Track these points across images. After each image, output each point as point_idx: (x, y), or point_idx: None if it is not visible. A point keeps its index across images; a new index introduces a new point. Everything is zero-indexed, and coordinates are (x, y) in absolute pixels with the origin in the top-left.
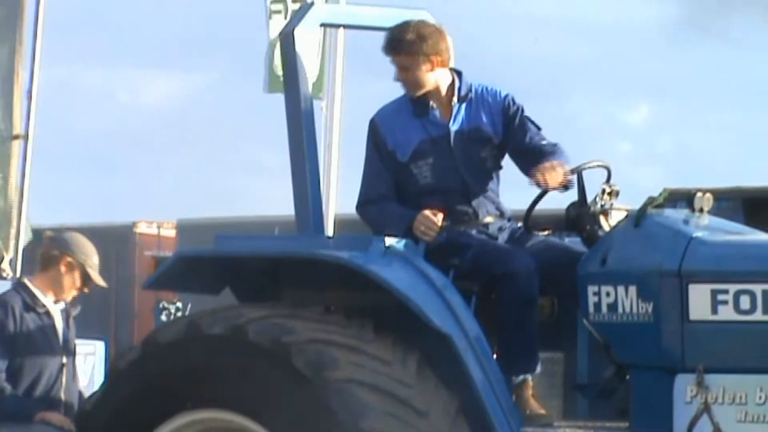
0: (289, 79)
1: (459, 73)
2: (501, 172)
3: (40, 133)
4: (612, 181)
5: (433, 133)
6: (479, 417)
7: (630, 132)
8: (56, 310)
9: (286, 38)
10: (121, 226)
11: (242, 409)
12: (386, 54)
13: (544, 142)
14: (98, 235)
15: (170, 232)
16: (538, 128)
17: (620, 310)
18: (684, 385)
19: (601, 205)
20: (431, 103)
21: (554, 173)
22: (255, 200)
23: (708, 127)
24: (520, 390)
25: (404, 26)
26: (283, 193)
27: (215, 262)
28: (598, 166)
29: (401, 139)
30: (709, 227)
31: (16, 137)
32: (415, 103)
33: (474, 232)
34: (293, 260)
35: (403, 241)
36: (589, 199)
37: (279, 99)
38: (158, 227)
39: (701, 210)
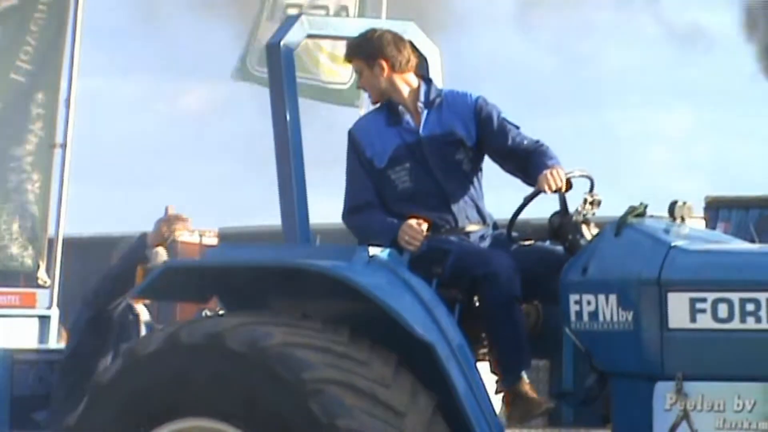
0: (275, 90)
1: (428, 81)
2: (481, 176)
3: (79, 142)
4: (594, 191)
5: (407, 139)
6: (462, 424)
7: (667, 140)
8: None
9: (273, 49)
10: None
11: (223, 415)
12: (346, 61)
13: (526, 142)
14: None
15: (212, 241)
16: (517, 127)
17: (601, 318)
18: (664, 393)
19: (584, 215)
20: (402, 110)
21: (557, 178)
22: None
23: (747, 135)
24: (518, 388)
25: (361, 34)
26: (324, 203)
27: (202, 272)
28: (581, 175)
29: (378, 146)
30: (688, 236)
31: (55, 146)
32: (389, 112)
33: (455, 238)
34: (278, 270)
35: (387, 251)
36: (571, 209)
37: (321, 110)
38: (200, 236)
39: (682, 219)
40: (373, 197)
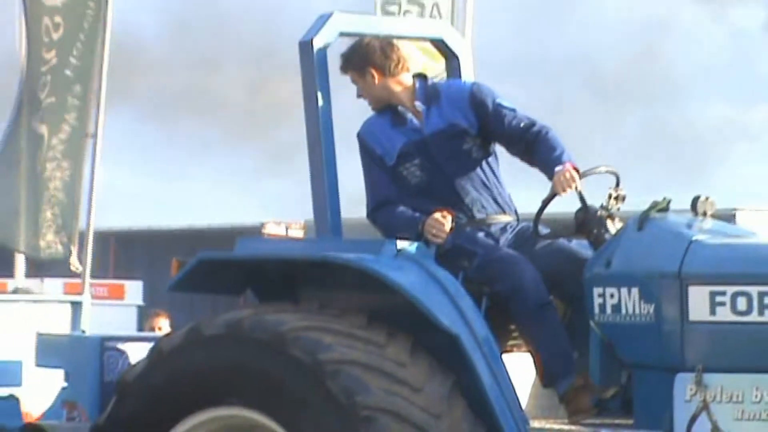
0: (307, 88)
1: (423, 77)
2: (495, 162)
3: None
4: (619, 186)
5: (413, 137)
6: (487, 416)
7: (749, 132)
8: None
9: (305, 47)
10: (250, 226)
11: (246, 402)
12: (341, 74)
13: (522, 124)
14: (228, 235)
15: (298, 233)
16: (513, 110)
17: (623, 311)
18: (684, 384)
19: (608, 210)
20: (402, 110)
21: (570, 180)
22: None
23: None
24: (571, 397)
25: (351, 46)
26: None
27: (235, 265)
28: (607, 171)
29: (387, 145)
30: (709, 231)
31: (87, 136)
32: (392, 114)
33: (480, 235)
34: (308, 263)
35: (415, 244)
36: (596, 204)
37: None
38: (286, 228)
39: (704, 213)
40: (392, 192)
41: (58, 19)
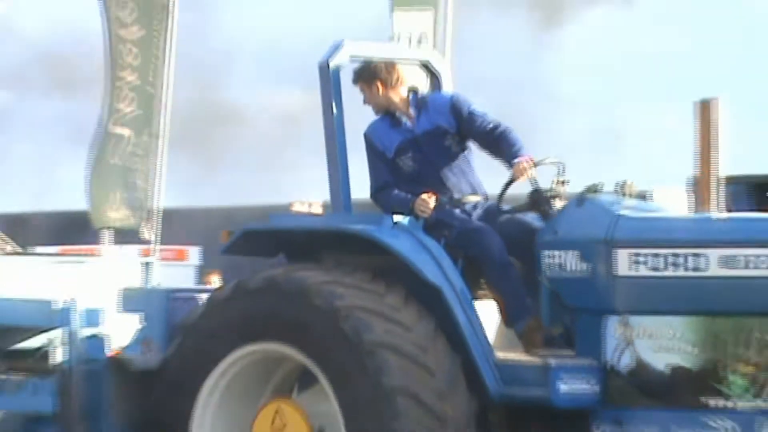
0: (325, 101)
1: (415, 90)
2: (470, 154)
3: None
4: (565, 174)
5: (407, 136)
6: (463, 349)
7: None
8: None
9: (323, 68)
10: (280, 205)
11: (281, 339)
12: (353, 83)
13: (490, 126)
14: (261, 213)
15: (318, 210)
16: (483, 114)
17: (566, 268)
18: (613, 325)
19: (555, 191)
20: (399, 115)
21: (528, 168)
22: None
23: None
24: (527, 335)
25: (361, 64)
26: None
27: (271, 234)
28: (554, 162)
29: (386, 142)
30: (633, 208)
31: (159, 137)
32: (391, 118)
33: (457, 211)
34: (327, 232)
35: (407, 218)
36: (544, 186)
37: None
38: (309, 206)
39: (630, 195)
40: (390, 178)
41: (135, 49)
